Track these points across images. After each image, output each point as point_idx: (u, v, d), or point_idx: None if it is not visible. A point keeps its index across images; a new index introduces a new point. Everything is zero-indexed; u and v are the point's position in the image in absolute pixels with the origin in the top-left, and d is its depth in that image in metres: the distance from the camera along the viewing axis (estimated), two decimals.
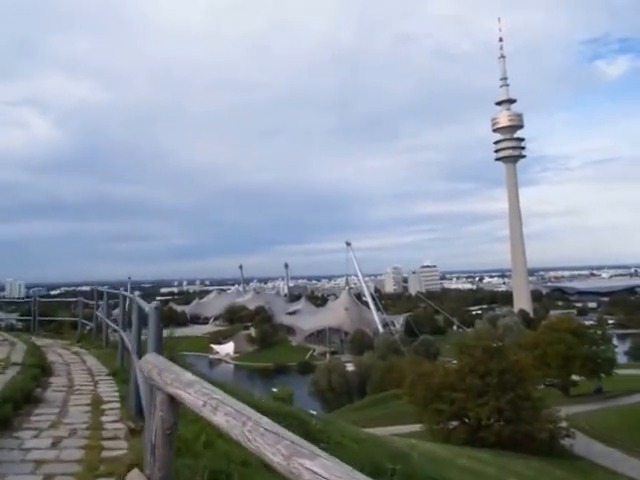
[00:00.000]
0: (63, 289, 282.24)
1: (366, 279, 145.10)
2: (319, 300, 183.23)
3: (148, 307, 4.79)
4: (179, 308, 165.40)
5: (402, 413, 37.98)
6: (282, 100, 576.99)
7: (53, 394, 7.36)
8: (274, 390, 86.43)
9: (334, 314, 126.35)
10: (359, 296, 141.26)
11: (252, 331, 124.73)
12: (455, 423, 29.49)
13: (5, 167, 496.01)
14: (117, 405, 6.76)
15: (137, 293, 6.66)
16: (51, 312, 22.57)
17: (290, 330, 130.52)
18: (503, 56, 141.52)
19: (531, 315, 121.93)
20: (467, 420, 28.51)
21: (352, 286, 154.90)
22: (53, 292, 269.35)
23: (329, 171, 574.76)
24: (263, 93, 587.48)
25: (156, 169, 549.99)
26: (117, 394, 7.35)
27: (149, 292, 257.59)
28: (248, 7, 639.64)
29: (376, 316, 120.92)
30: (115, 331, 10.19)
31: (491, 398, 26.58)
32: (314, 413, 14.61)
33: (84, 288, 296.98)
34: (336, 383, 65.05)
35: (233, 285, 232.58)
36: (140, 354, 5.31)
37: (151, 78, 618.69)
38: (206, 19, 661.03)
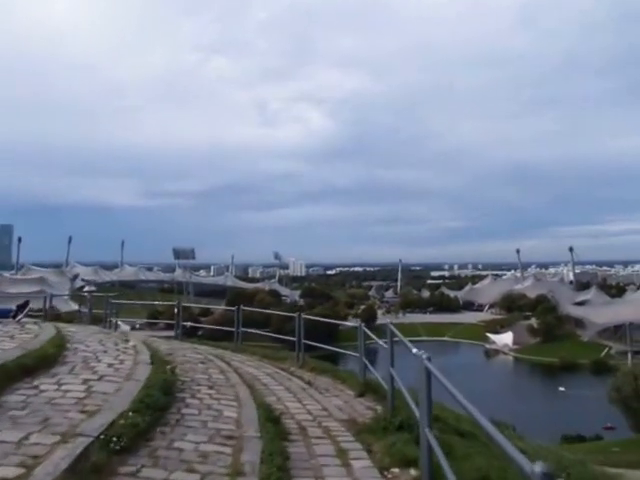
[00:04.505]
0: (338, 269, 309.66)
1: None
2: (613, 289, 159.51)
3: None
4: (451, 293, 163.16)
5: None
6: (554, 68, 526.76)
7: None
8: (561, 389, 77.89)
9: (636, 307, 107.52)
10: None
11: (533, 321, 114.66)
12: None
13: (287, 158, 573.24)
14: None
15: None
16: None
17: (578, 323, 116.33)
18: None
19: None
20: None
21: None
22: (329, 272, 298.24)
23: (615, 140, 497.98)
24: (532, 63, 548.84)
25: (423, 152, 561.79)
26: None
27: (419, 275, 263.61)
28: None
29: None
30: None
31: None
32: None
33: (357, 269, 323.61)
34: None
35: (508, 270, 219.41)
36: None
37: (415, 61, 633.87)
38: None
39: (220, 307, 58.08)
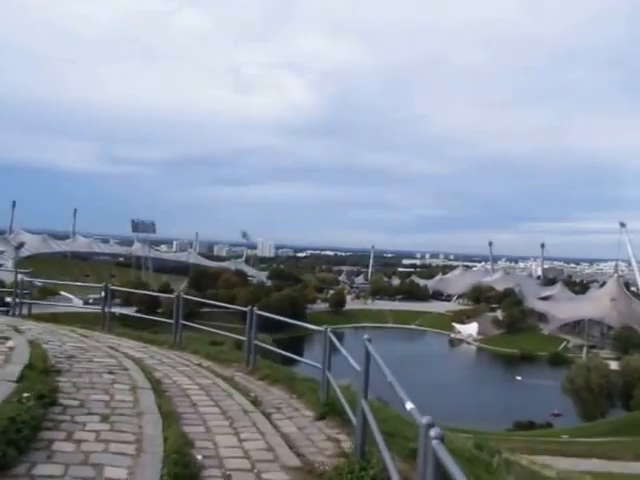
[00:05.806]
0: (309, 252, 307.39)
1: None
2: (577, 286, 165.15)
3: None
4: (421, 282, 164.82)
5: None
6: (546, 60, 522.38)
7: None
8: (518, 378, 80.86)
9: (596, 304, 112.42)
10: (627, 285, 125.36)
11: (499, 313, 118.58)
12: None
13: (262, 131, 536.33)
14: None
15: None
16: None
17: (542, 317, 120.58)
18: None
19: None
20: None
21: (621, 274, 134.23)
22: (300, 254, 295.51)
23: (597, 138, 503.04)
24: (527, 52, 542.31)
25: (406, 135, 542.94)
26: None
27: (391, 263, 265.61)
28: None
29: None
30: None
31: None
32: None
33: (328, 252, 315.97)
34: (595, 383, 58.13)
35: (479, 262, 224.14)
36: None
37: (408, 35, 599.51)
38: None
39: (148, 292, 54.56)
